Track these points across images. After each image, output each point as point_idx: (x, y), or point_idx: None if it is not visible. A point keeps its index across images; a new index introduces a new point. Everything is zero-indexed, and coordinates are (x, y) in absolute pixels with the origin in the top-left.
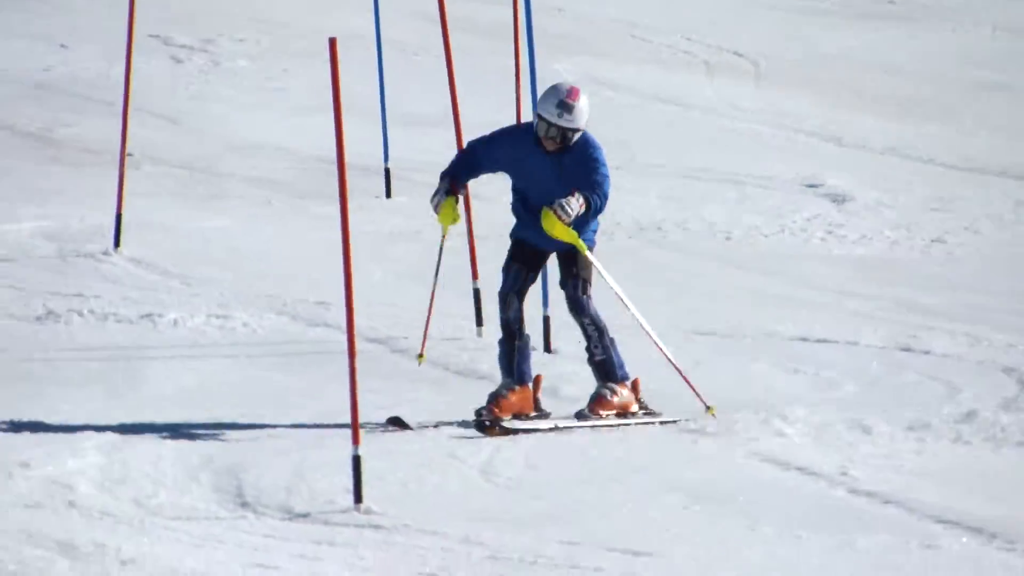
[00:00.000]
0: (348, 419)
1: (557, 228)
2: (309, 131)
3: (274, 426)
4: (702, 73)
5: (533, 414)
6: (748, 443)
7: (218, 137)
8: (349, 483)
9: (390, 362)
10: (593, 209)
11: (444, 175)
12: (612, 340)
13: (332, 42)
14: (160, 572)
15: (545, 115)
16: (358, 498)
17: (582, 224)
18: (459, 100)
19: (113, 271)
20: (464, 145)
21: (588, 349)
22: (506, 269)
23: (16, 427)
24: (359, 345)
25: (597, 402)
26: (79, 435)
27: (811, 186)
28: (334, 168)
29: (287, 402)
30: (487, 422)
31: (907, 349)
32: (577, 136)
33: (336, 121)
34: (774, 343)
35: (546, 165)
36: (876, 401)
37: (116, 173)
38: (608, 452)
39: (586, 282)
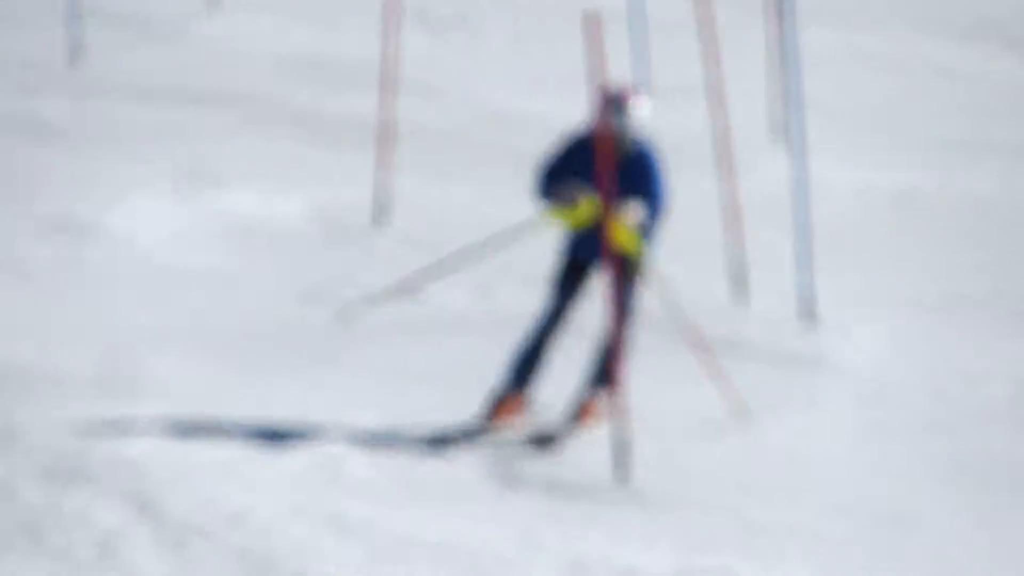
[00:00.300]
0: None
1: (620, 235)
2: (567, 104)
3: (536, 402)
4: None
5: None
6: (1002, 414)
7: (477, 110)
8: (612, 459)
9: (651, 337)
10: (653, 220)
11: (549, 184)
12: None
13: (591, 18)
14: (432, 549)
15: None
16: (622, 474)
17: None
18: (718, 69)
19: (377, 248)
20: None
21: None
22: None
23: (283, 406)
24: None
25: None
26: (345, 413)
27: None
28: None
29: (548, 377)
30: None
31: None
32: (635, 143)
33: (595, 95)
34: None
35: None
36: None
37: (378, 149)
38: (868, 421)
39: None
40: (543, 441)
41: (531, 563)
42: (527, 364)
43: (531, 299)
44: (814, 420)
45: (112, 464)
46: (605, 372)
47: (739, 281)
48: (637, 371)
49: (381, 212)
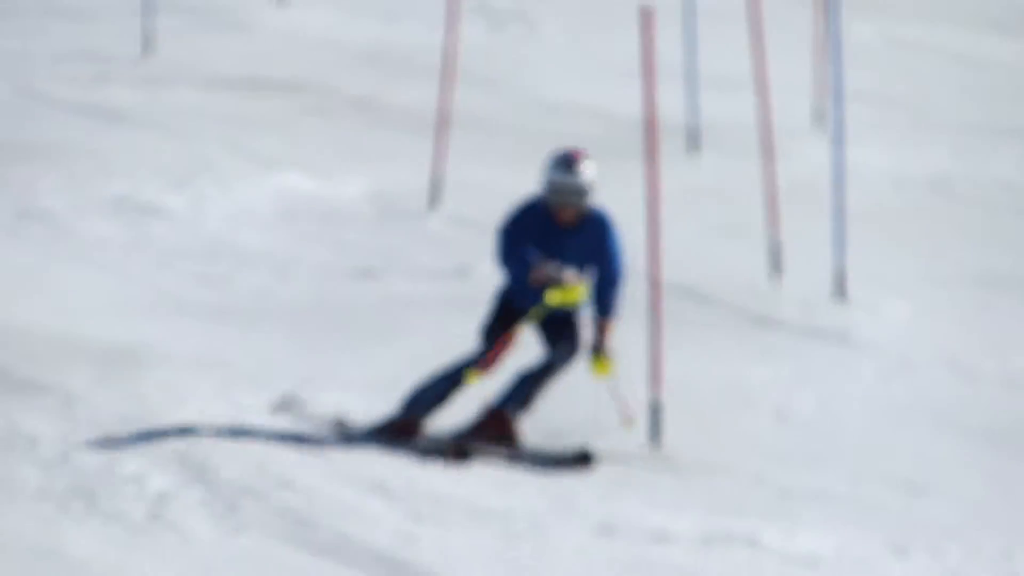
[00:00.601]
0: (646, 364)
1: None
2: (618, 93)
3: (572, 372)
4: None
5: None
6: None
7: (531, 100)
8: (646, 425)
9: (694, 313)
10: (613, 283)
11: (519, 260)
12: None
13: (646, 12)
14: (469, 511)
15: (559, 179)
16: (655, 440)
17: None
18: (764, 60)
19: (429, 230)
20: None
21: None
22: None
23: (333, 379)
24: (665, 296)
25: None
26: (393, 382)
27: None
28: (639, 127)
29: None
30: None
31: None
32: (590, 207)
33: (647, 86)
34: None
35: (567, 240)
36: None
37: (436, 137)
38: (892, 394)
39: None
40: (579, 459)
41: (563, 524)
42: (434, 398)
43: None
44: (841, 392)
45: (165, 430)
46: (528, 396)
47: (775, 260)
48: (673, 344)
49: (434, 195)
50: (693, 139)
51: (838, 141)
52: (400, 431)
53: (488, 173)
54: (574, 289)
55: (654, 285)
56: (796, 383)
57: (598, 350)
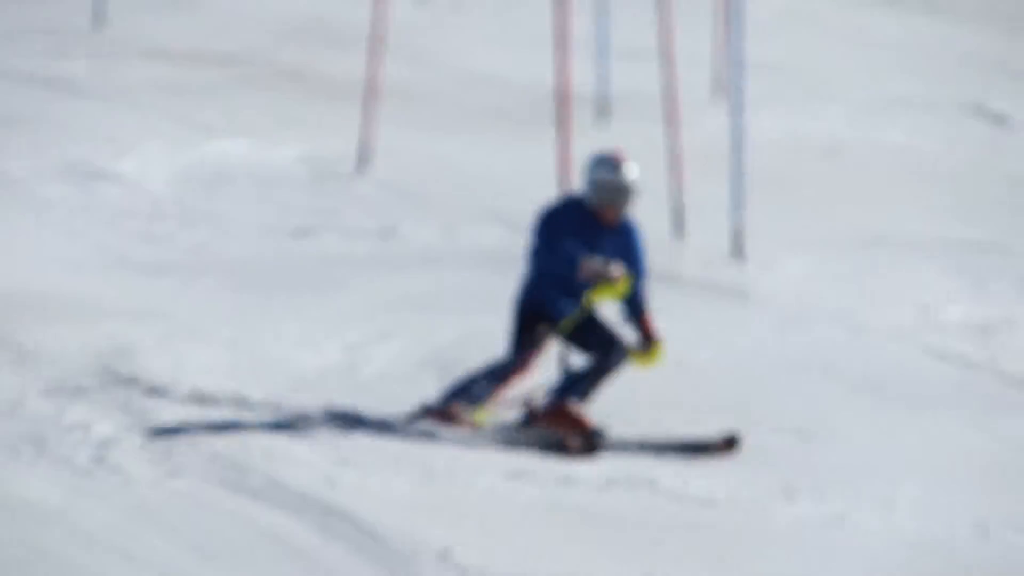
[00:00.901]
0: None
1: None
2: (534, 65)
3: (489, 328)
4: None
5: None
6: (907, 336)
7: (454, 72)
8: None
9: None
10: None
11: (566, 254)
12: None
13: None
14: (387, 456)
15: (609, 178)
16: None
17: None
18: (672, 32)
19: (358, 192)
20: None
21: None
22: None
23: (269, 331)
24: None
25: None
26: (322, 334)
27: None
28: (550, 97)
29: (503, 305)
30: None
31: None
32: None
33: (560, 58)
34: (938, 247)
35: (605, 239)
36: None
37: (364, 105)
38: (785, 346)
39: None
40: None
41: (477, 469)
42: (478, 392)
43: (493, 236)
44: (737, 344)
45: (110, 380)
46: (586, 390)
47: (678, 221)
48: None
49: (363, 160)
50: (603, 108)
51: (737, 109)
52: (444, 418)
53: (413, 139)
54: (621, 283)
55: None
56: (695, 336)
57: (650, 341)
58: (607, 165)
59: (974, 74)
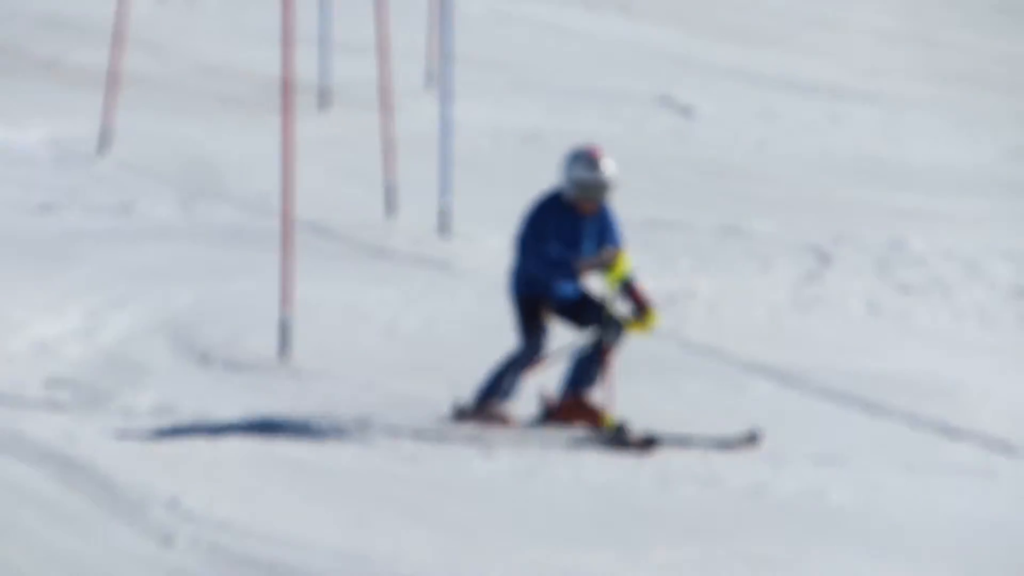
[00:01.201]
0: (278, 288)
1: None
2: (263, 57)
3: (219, 296)
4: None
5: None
6: None
7: (190, 63)
8: (277, 340)
9: (321, 245)
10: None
11: (560, 261)
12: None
13: None
14: (121, 408)
15: (587, 176)
16: (285, 352)
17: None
18: (388, 27)
19: (99, 172)
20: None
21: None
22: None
23: (16, 299)
24: (296, 230)
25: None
26: (64, 302)
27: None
28: (277, 86)
29: (232, 275)
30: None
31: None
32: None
33: (285, 50)
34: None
35: (584, 226)
36: (705, 269)
37: (106, 93)
38: (486, 313)
39: None
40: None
41: (203, 424)
42: (507, 388)
43: (224, 213)
44: (443, 312)
45: None
46: (592, 375)
47: (391, 200)
48: (302, 272)
49: (104, 143)
50: (324, 96)
51: (446, 99)
52: (485, 418)
53: (151, 124)
54: (622, 262)
55: (286, 220)
56: (404, 304)
57: (644, 309)
58: (585, 163)
59: (663, 69)
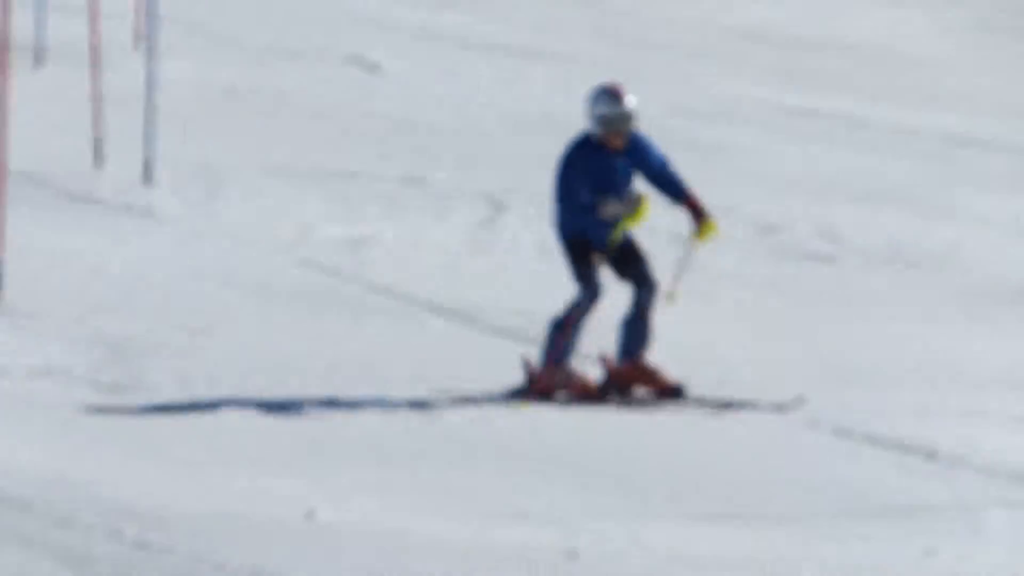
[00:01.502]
0: None
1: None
2: None
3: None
4: None
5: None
6: (289, 250)
7: None
8: None
9: (31, 193)
10: (666, 167)
11: (583, 207)
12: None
13: None
14: None
15: (609, 111)
16: None
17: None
18: None
19: None
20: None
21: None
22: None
23: None
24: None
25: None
26: None
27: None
28: None
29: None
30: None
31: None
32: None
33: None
34: (318, 175)
35: (616, 164)
36: (390, 217)
37: None
38: (185, 257)
39: None
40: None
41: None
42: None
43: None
44: (146, 255)
45: None
46: (644, 337)
47: (99, 152)
48: (15, 217)
49: None
50: (39, 55)
51: (152, 56)
52: (570, 385)
53: None
54: (642, 206)
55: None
56: (110, 248)
57: (702, 217)
58: (607, 99)
59: (354, 28)
